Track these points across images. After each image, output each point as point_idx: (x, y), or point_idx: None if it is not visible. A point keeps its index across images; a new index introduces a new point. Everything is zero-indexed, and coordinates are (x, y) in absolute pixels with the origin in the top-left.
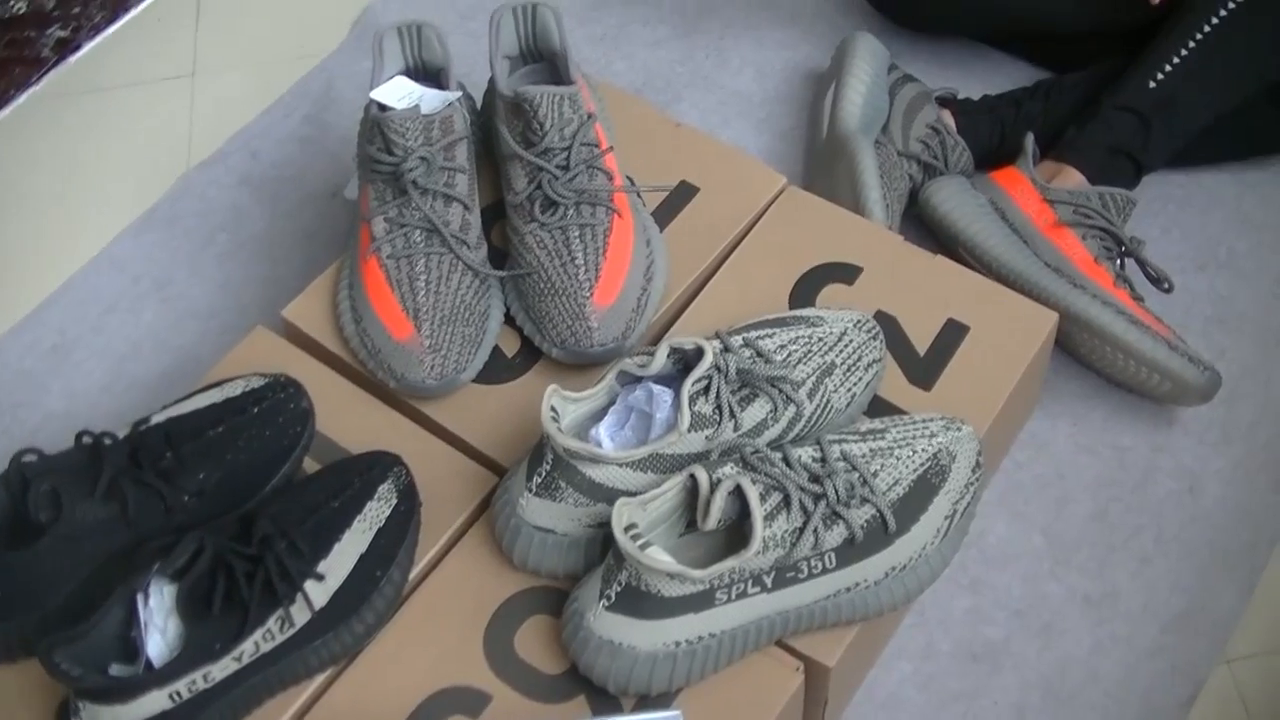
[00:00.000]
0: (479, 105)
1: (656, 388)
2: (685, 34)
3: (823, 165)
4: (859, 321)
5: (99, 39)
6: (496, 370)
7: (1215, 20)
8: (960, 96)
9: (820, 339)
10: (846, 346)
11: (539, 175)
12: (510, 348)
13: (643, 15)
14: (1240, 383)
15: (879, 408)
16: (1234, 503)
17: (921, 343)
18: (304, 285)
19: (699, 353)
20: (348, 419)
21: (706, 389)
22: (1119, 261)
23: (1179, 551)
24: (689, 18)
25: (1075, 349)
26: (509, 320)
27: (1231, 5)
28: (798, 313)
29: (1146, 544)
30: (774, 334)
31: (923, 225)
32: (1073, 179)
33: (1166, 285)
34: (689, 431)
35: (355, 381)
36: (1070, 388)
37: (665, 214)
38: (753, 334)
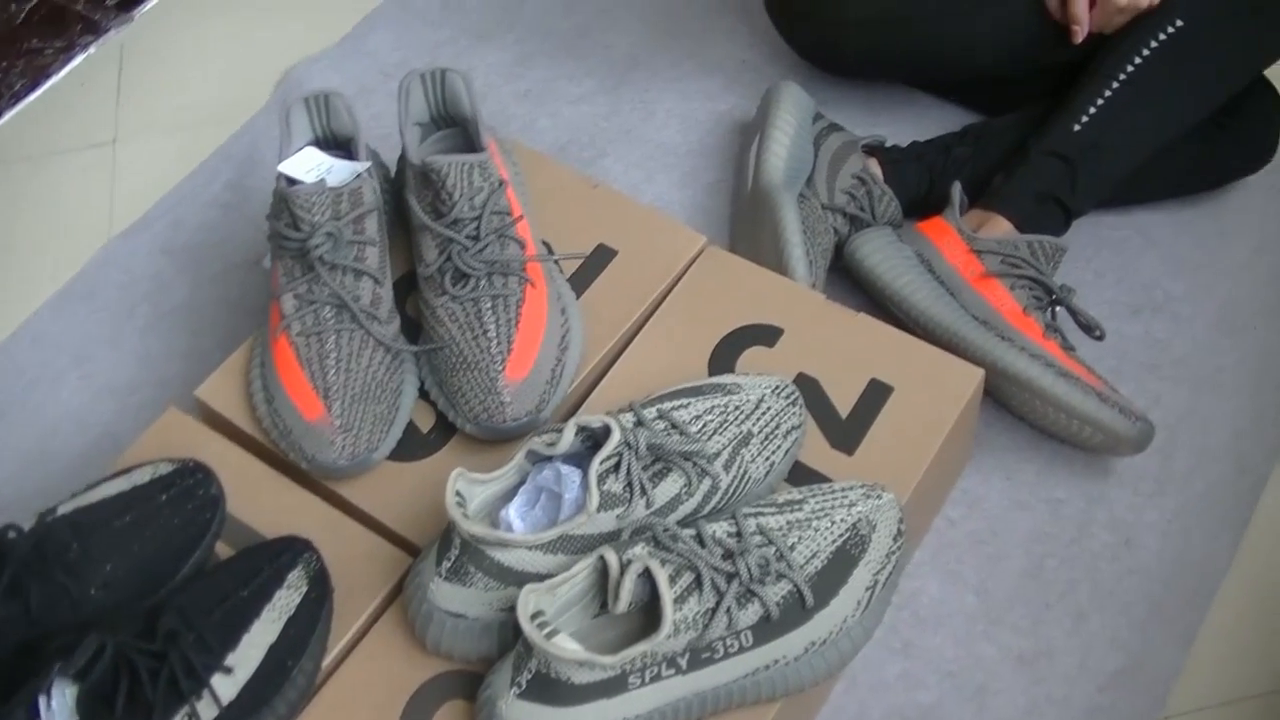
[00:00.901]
0: (394, 172)
1: (565, 468)
2: (611, 88)
3: (747, 220)
4: (777, 387)
5: (20, 106)
6: (411, 447)
7: (1138, 60)
8: (888, 144)
9: (737, 407)
10: (764, 414)
11: (449, 246)
12: (425, 423)
13: (568, 70)
14: (1176, 430)
15: (800, 474)
16: (1171, 554)
17: (844, 405)
18: (226, 357)
19: (607, 430)
20: (261, 501)
21: (617, 466)
22: (1049, 311)
23: (1115, 607)
24: (615, 71)
25: (1006, 401)
26: (424, 394)
27: (1154, 44)
28: (715, 380)
29: (1082, 600)
30: (689, 404)
31: (850, 278)
32: (1001, 227)
33: (1098, 333)
34: (598, 511)
35: (269, 462)
36: (1003, 441)
37: (583, 278)
38: (667, 404)
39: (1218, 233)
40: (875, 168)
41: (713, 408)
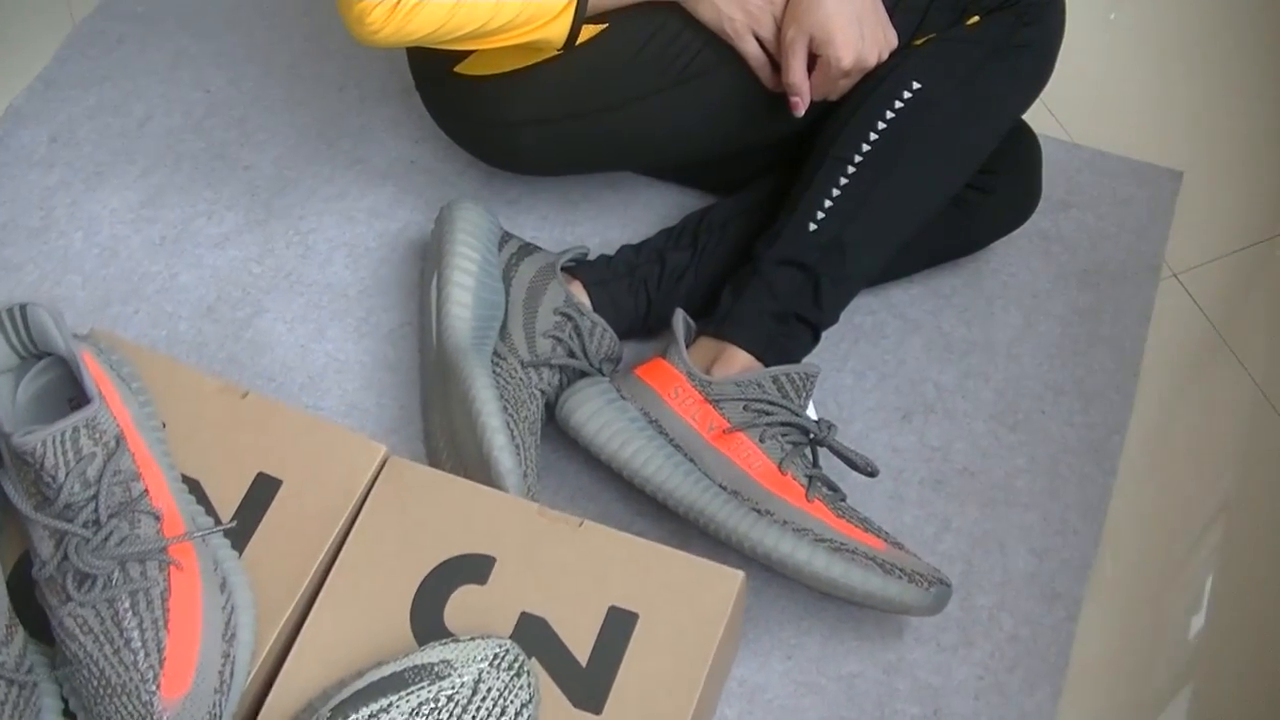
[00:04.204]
0: None
1: None
2: (260, 220)
3: (437, 389)
4: (496, 656)
5: None
6: None
7: (874, 136)
8: (592, 257)
9: (450, 698)
10: (485, 699)
11: (65, 540)
12: None
13: (206, 205)
14: (972, 560)
15: None
16: (988, 718)
17: (582, 649)
18: None
19: None
20: None
21: None
22: (810, 450)
23: None
24: (260, 197)
25: (776, 572)
26: (70, 715)
27: (890, 115)
28: (420, 659)
29: None
30: (392, 703)
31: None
32: (738, 361)
33: (870, 470)
34: None
35: None
36: (776, 613)
37: (244, 525)
38: (365, 710)
39: (983, 301)
40: (580, 294)
41: (421, 705)
